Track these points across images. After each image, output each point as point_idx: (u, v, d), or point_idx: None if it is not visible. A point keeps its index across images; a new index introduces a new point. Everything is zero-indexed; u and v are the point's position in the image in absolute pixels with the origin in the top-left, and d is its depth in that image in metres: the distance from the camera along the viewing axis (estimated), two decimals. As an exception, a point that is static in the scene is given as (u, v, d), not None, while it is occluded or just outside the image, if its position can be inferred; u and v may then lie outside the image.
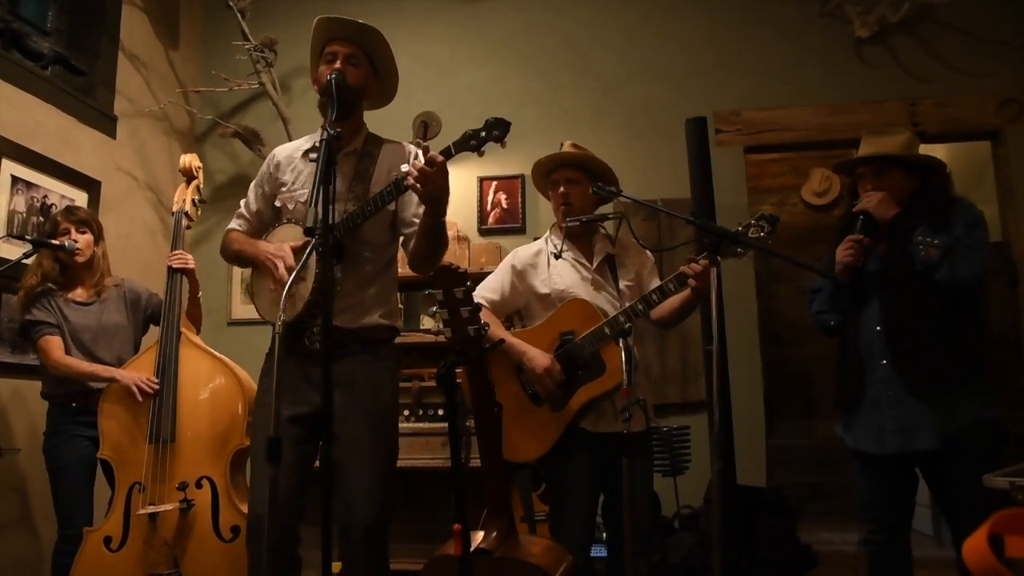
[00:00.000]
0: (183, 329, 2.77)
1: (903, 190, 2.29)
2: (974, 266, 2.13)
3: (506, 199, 4.27)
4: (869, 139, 2.38)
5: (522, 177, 4.25)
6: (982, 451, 2.08)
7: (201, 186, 3.01)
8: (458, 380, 1.74)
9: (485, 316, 2.36)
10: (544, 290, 2.40)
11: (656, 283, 2.44)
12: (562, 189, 2.43)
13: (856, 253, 2.27)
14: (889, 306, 2.24)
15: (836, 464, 5.29)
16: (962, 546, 1.99)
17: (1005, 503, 1.60)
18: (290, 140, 2.61)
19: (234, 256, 2.27)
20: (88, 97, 3.81)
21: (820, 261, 2.55)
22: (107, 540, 2.54)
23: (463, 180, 4.23)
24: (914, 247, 2.18)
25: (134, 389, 2.64)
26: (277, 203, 2.22)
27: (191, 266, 2.83)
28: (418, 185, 1.85)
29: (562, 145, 2.54)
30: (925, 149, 5.07)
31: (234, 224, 2.30)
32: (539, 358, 2.29)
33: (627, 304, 2.34)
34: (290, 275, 2.01)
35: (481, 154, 1.96)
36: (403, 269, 2.24)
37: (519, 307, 2.52)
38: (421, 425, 3.64)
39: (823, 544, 3.59)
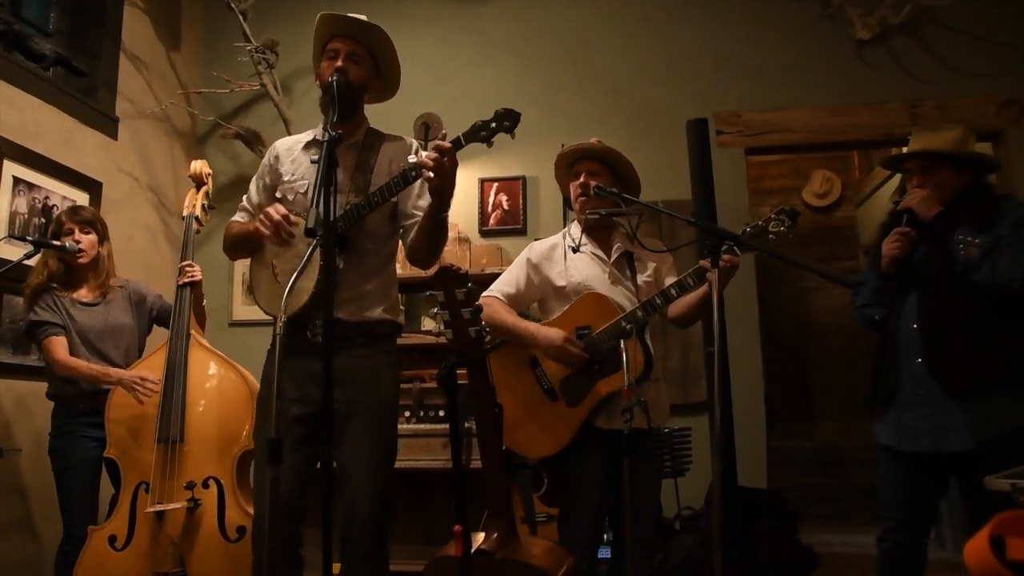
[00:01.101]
0: (192, 332, 2.79)
1: (952, 187, 2.25)
2: (1017, 267, 2.05)
3: (507, 200, 4.28)
4: (919, 135, 2.32)
5: (523, 178, 4.25)
6: (1022, 456, 1.98)
7: (211, 192, 3.04)
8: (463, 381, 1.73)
9: (501, 309, 2.38)
10: (560, 283, 2.39)
11: (674, 280, 2.42)
12: (582, 179, 2.39)
13: (903, 246, 2.24)
14: (927, 304, 2.21)
15: (837, 466, 5.30)
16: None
17: (1007, 505, 1.60)
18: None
19: (232, 241, 2.26)
20: (90, 98, 3.82)
21: (843, 262, 2.51)
22: (112, 539, 2.56)
23: (464, 181, 4.22)
24: (954, 246, 2.13)
25: (129, 387, 2.66)
26: (277, 194, 2.23)
27: (199, 279, 2.87)
28: (432, 175, 1.85)
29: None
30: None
31: (237, 217, 2.31)
32: (552, 333, 2.27)
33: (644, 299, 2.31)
34: (280, 232, 2.01)
35: (490, 145, 1.95)
36: (404, 270, 2.25)
37: (535, 301, 2.51)
38: (422, 426, 3.64)
39: (824, 546, 3.59)
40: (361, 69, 2.12)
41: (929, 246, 2.25)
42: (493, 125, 1.93)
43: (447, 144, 1.86)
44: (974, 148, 2.31)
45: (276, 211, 2.03)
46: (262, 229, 2.05)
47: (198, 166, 3.03)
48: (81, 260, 2.88)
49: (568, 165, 2.48)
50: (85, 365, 2.78)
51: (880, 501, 2.33)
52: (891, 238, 2.27)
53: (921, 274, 2.25)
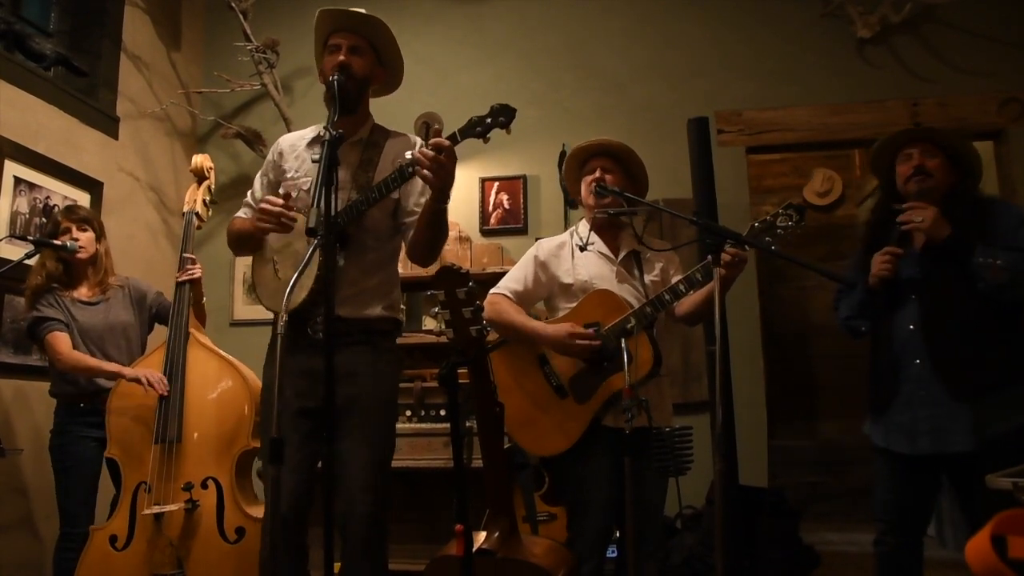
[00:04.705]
0: (192, 330, 2.77)
1: (943, 184, 2.26)
2: None
3: (508, 199, 4.27)
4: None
5: (524, 177, 4.25)
6: (1021, 456, 1.99)
7: (212, 187, 3.01)
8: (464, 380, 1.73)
9: (510, 309, 2.37)
10: (568, 280, 2.38)
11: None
12: (597, 174, 2.37)
13: (893, 267, 2.24)
14: (926, 306, 2.21)
15: (838, 465, 5.29)
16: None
17: (1009, 504, 1.60)
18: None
19: (235, 237, 2.26)
20: (90, 98, 3.82)
21: (844, 260, 2.50)
22: (112, 539, 2.55)
23: (465, 180, 4.23)
24: (976, 268, 2.11)
25: (143, 380, 2.63)
26: (280, 191, 2.22)
27: (198, 275, 2.84)
28: (427, 172, 1.85)
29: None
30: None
31: (240, 213, 2.31)
32: (558, 329, 2.26)
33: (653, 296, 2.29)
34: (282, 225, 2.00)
35: (486, 141, 1.95)
36: (405, 270, 2.25)
37: (542, 298, 2.50)
38: (423, 425, 3.64)
39: (825, 544, 3.59)
40: (364, 60, 2.12)
41: (925, 251, 2.24)
42: (488, 121, 1.93)
43: (446, 141, 1.85)
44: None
45: (272, 204, 2.00)
46: (263, 225, 2.03)
47: (199, 160, 2.98)
48: (81, 256, 2.88)
49: (581, 162, 2.46)
50: (88, 358, 2.78)
51: (874, 503, 2.32)
52: (882, 258, 2.27)
53: (917, 281, 2.25)
